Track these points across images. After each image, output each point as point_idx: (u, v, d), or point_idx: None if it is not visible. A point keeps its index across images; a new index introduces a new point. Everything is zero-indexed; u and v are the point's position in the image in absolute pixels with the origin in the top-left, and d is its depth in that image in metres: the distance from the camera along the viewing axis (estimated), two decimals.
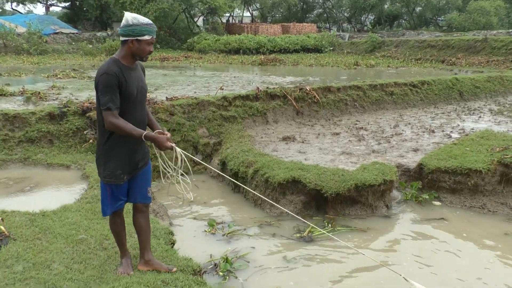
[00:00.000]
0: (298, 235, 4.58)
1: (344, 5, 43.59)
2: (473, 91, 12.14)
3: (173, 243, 3.99)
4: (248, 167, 5.72)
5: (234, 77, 13.84)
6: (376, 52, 25.21)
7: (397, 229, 4.79)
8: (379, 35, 29.57)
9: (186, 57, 23.02)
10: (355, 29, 43.13)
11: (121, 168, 2.98)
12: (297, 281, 3.73)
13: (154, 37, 2.91)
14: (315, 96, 9.26)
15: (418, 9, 42.33)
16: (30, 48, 23.10)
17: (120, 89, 2.82)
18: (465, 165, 5.32)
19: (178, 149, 3.00)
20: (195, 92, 9.66)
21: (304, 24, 37.04)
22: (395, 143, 7.02)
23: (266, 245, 4.42)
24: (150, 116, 3.22)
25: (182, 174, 3.12)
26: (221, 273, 3.75)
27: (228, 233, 4.59)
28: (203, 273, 3.64)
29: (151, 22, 2.90)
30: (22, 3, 39.75)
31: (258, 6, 47.61)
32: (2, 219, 3.84)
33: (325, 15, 47.58)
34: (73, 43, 26.69)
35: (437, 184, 5.50)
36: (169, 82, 12.03)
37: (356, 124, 8.59)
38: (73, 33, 28.35)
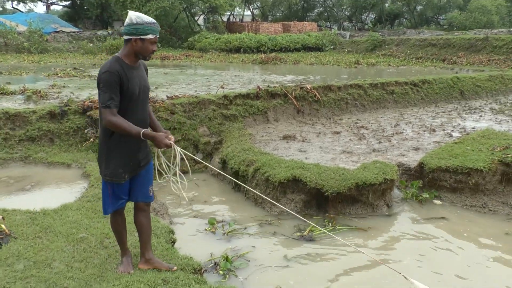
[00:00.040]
0: (298, 234, 4.58)
1: (345, 3, 43.55)
2: (474, 90, 12.13)
3: (173, 242, 3.99)
4: (248, 166, 5.72)
5: (235, 75, 13.84)
6: (377, 51, 25.19)
7: (397, 228, 4.79)
8: (380, 33, 29.54)
9: (186, 55, 23.01)
10: (356, 28, 43.09)
11: (122, 167, 2.98)
12: (297, 280, 3.73)
13: (158, 36, 2.91)
14: (315, 95, 9.25)
15: (419, 7, 42.28)
16: (30, 47, 23.11)
17: (121, 88, 2.82)
18: (466, 164, 5.32)
19: (177, 147, 2.96)
20: (195, 91, 9.66)
21: (305, 22, 37.01)
22: (395, 142, 7.01)
23: (266, 244, 4.42)
24: (152, 116, 3.22)
25: (179, 174, 3.08)
26: (221, 272, 3.76)
27: (229, 231, 4.59)
28: (203, 272, 3.65)
29: (155, 21, 2.90)
30: (23, 2, 39.76)
31: (259, 4, 47.58)
32: (3, 218, 3.84)
33: (326, 13, 47.52)
34: (74, 41, 26.70)
35: (437, 183, 5.49)
36: (169, 81, 12.03)
37: (356, 123, 8.59)
38: (73, 32, 28.36)
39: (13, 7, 40.61)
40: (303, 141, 7.07)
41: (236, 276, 3.76)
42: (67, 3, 37.95)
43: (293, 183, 5.11)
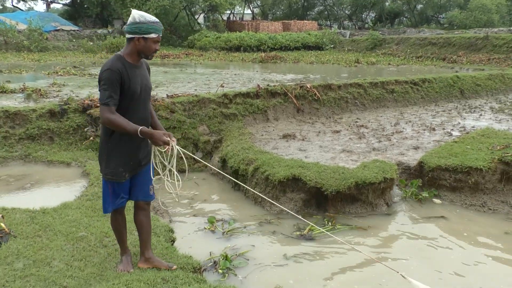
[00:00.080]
0: (298, 233, 4.58)
1: (345, 2, 43.48)
2: (474, 89, 12.12)
3: (173, 241, 4.00)
4: (248, 165, 5.72)
5: (235, 74, 13.83)
6: (377, 50, 25.16)
7: (397, 227, 4.79)
8: (380, 32, 29.50)
9: (186, 54, 22.99)
10: (356, 27, 43.06)
11: (122, 166, 2.98)
12: (296, 279, 3.73)
13: (161, 35, 2.91)
14: (315, 94, 9.24)
15: (419, 6, 42.23)
16: (30, 45, 23.10)
17: (123, 86, 2.82)
18: (465, 163, 5.32)
19: (175, 145, 2.94)
20: (195, 90, 9.65)
21: (305, 21, 36.96)
22: (395, 141, 7.01)
23: (266, 242, 4.42)
24: (153, 116, 3.22)
25: (176, 173, 3.03)
26: (220, 271, 3.76)
27: (228, 230, 4.60)
28: (203, 271, 3.65)
29: (158, 20, 2.91)
30: (23, 0, 39.74)
31: (259, 3, 47.53)
32: (2, 216, 3.85)
33: (326, 12, 47.48)
34: (74, 40, 26.68)
35: (437, 182, 5.49)
36: (169, 80, 12.03)
37: (356, 122, 8.58)
38: (73, 30, 28.32)
39: (13, 5, 40.56)
40: (303, 140, 7.07)
41: (236, 275, 3.76)
42: (67, 1, 37.93)
43: (292, 182, 5.11)
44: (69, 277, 3.10)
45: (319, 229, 4.06)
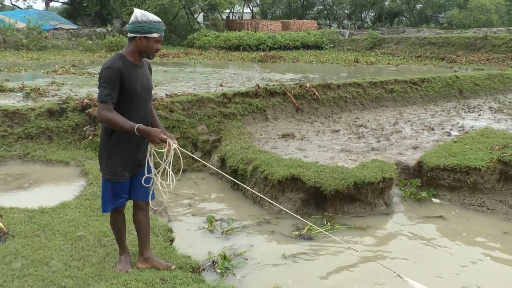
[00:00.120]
0: (297, 232, 4.58)
1: (344, 2, 43.45)
2: (473, 88, 12.13)
3: (172, 240, 3.99)
4: (247, 164, 5.72)
5: (234, 74, 13.82)
6: (376, 49, 25.16)
7: (395, 227, 4.80)
8: (379, 32, 29.50)
9: (186, 53, 22.95)
10: (356, 26, 43.04)
11: (122, 165, 2.97)
12: (295, 279, 3.73)
13: (163, 35, 2.91)
14: (314, 93, 9.24)
15: (418, 6, 42.22)
16: (29, 44, 23.03)
17: (123, 85, 2.82)
18: (464, 163, 5.32)
19: (172, 143, 2.92)
20: (194, 89, 9.64)
21: (304, 20, 36.91)
22: (394, 141, 7.01)
23: (264, 242, 4.42)
24: (154, 116, 3.21)
25: (171, 173, 2.99)
26: (219, 271, 3.75)
27: (227, 230, 4.59)
28: (201, 271, 3.65)
29: (160, 20, 2.90)
30: None
31: (258, 2, 47.49)
32: (0, 216, 3.84)
33: (325, 12, 47.44)
34: (73, 39, 26.62)
35: (436, 181, 5.49)
36: (168, 79, 12.01)
37: (355, 121, 8.58)
38: (73, 29, 28.25)
39: (12, 3, 40.45)
40: (302, 139, 7.07)
41: (234, 274, 3.76)
42: (66, 0, 37.84)
43: (291, 181, 5.11)
44: (68, 277, 3.09)
45: (318, 229, 4.06)
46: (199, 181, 6.25)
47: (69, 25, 28.89)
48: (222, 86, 9.35)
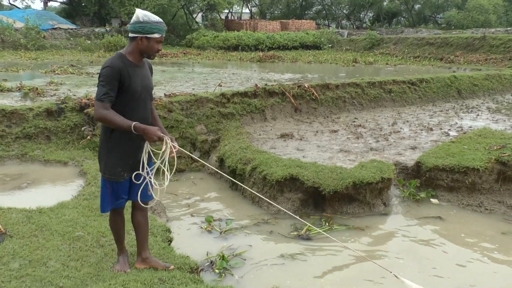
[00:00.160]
0: (295, 233, 4.58)
1: (343, 2, 43.48)
2: (471, 89, 12.15)
3: (170, 241, 3.99)
4: (246, 164, 5.71)
5: (233, 73, 13.81)
6: (375, 50, 25.19)
7: (394, 227, 4.80)
8: (377, 32, 29.54)
9: (184, 53, 22.94)
10: (354, 26, 43.08)
11: (121, 165, 2.96)
12: (293, 279, 3.73)
13: (164, 35, 2.90)
14: (313, 93, 9.24)
15: (417, 6, 42.28)
16: (28, 44, 22.98)
17: (122, 84, 2.82)
18: (462, 163, 5.33)
19: (169, 142, 2.90)
20: (193, 89, 9.64)
21: (303, 21, 36.94)
22: (393, 141, 7.02)
23: (263, 242, 4.42)
24: (155, 117, 3.20)
25: (167, 173, 2.94)
26: (217, 271, 3.75)
27: (225, 230, 4.59)
28: (200, 271, 3.64)
29: (162, 20, 2.90)
30: None
31: (257, 2, 47.48)
32: None
33: (324, 12, 47.48)
34: (71, 38, 26.56)
35: (434, 182, 5.50)
36: (167, 79, 12.01)
37: (354, 121, 8.59)
38: (71, 29, 28.19)
39: (10, 3, 40.34)
40: (301, 139, 7.07)
41: (232, 275, 3.75)
42: (65, 0, 37.77)
43: (290, 181, 5.11)
44: (66, 277, 3.08)
45: (316, 230, 4.06)
46: (198, 181, 6.24)
47: (67, 25, 28.83)
48: (221, 86, 9.35)
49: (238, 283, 3.65)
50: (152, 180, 3.01)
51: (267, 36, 27.87)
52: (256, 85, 8.87)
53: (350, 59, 19.95)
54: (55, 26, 27.58)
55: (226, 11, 40.74)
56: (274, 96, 8.87)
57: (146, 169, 2.99)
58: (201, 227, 4.68)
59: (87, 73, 13.11)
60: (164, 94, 8.18)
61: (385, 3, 41.61)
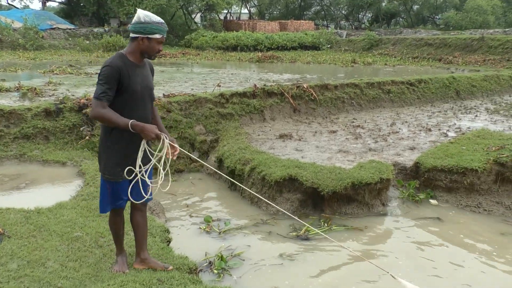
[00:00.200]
0: (294, 233, 4.58)
1: (341, 2, 43.54)
2: (469, 90, 12.18)
3: (169, 241, 3.98)
4: (245, 165, 5.71)
5: (232, 74, 13.81)
6: (374, 50, 25.22)
7: (393, 228, 4.80)
8: (376, 33, 29.57)
9: (183, 53, 22.92)
10: (353, 27, 43.11)
11: (121, 165, 2.96)
12: (292, 280, 3.73)
13: (165, 36, 2.90)
14: (312, 94, 9.25)
15: (415, 7, 42.36)
16: (26, 44, 22.94)
17: (122, 84, 2.82)
18: (461, 164, 5.34)
19: (167, 141, 2.89)
20: (192, 89, 9.63)
21: (302, 21, 36.97)
22: (392, 142, 7.03)
23: (261, 243, 4.41)
24: (157, 118, 3.19)
25: (162, 172, 2.92)
26: (215, 271, 3.75)
27: (224, 230, 4.59)
28: (199, 271, 3.64)
29: (163, 21, 2.90)
30: None
31: (256, 3, 47.50)
32: None
33: (322, 12, 47.52)
34: (70, 38, 26.53)
35: (433, 182, 5.51)
36: (166, 79, 12.00)
37: (353, 122, 8.60)
38: (70, 29, 28.15)
39: (8, 3, 40.24)
40: (300, 140, 7.07)
41: (231, 275, 3.75)
42: (63, 0, 37.71)
43: (289, 182, 5.11)
44: (64, 278, 3.08)
45: (315, 230, 4.06)
46: (197, 181, 6.24)
47: (66, 25, 28.79)
48: (220, 86, 9.34)
49: (236, 283, 3.65)
50: (146, 178, 2.98)
51: (266, 36, 27.88)
52: (255, 85, 8.87)
53: (349, 59, 19.96)
54: (54, 26, 27.54)
55: (225, 11, 40.71)
56: (273, 96, 8.87)
57: (140, 167, 2.96)
58: (200, 228, 4.68)
59: (85, 73, 13.09)
60: (163, 94, 8.17)
61: (383, 4, 41.68)
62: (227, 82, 11.24)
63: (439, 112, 9.83)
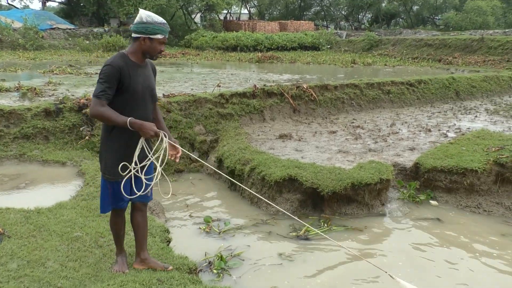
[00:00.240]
0: (294, 233, 4.58)
1: (341, 3, 43.58)
2: (469, 90, 12.18)
3: (168, 241, 3.98)
4: (244, 165, 5.71)
5: (231, 74, 13.82)
6: (373, 51, 25.25)
7: (392, 228, 4.80)
8: (376, 33, 29.60)
9: (183, 54, 22.94)
10: (353, 27, 43.15)
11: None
12: (292, 280, 3.73)
13: (167, 36, 2.91)
14: (312, 94, 9.25)
15: (415, 8, 42.38)
16: (26, 44, 22.94)
17: (123, 84, 2.82)
18: (461, 165, 5.34)
19: (165, 139, 2.88)
20: (192, 89, 9.63)
21: (302, 21, 37.00)
22: (391, 142, 7.03)
23: (261, 243, 4.41)
24: (159, 119, 3.19)
25: (159, 171, 2.92)
26: (215, 271, 3.75)
27: (224, 230, 4.59)
28: (198, 271, 3.64)
29: (165, 21, 2.90)
30: None
31: (255, 3, 47.51)
32: None
33: (322, 13, 47.54)
34: (70, 38, 26.54)
35: (433, 183, 5.51)
36: (166, 79, 12.00)
37: (353, 122, 8.60)
38: (69, 29, 28.15)
39: (8, 3, 40.23)
40: (299, 140, 7.07)
41: (230, 275, 3.75)
42: (63, 0, 37.71)
43: (289, 182, 5.11)
44: (64, 278, 3.08)
45: (315, 230, 4.06)
46: (197, 181, 6.24)
47: (66, 25, 28.79)
48: (220, 86, 9.35)
49: (236, 283, 3.65)
50: (141, 175, 2.96)
51: (266, 36, 27.90)
52: (255, 85, 8.87)
53: (349, 60, 19.98)
54: (54, 26, 27.54)
55: (225, 11, 40.74)
56: (272, 96, 8.87)
57: (136, 164, 2.95)
58: (200, 228, 4.68)
59: (85, 73, 13.09)
60: (163, 94, 8.17)
61: (383, 4, 41.70)
62: (227, 82, 11.24)
63: (439, 112, 9.83)
